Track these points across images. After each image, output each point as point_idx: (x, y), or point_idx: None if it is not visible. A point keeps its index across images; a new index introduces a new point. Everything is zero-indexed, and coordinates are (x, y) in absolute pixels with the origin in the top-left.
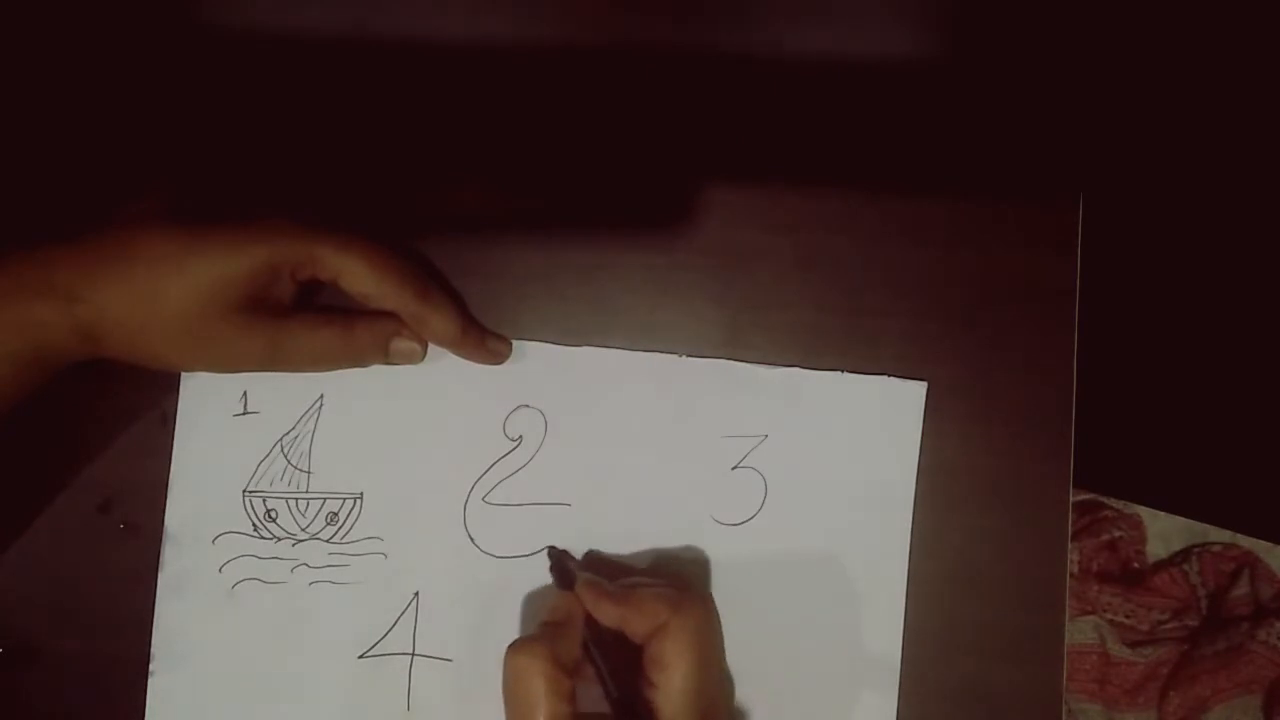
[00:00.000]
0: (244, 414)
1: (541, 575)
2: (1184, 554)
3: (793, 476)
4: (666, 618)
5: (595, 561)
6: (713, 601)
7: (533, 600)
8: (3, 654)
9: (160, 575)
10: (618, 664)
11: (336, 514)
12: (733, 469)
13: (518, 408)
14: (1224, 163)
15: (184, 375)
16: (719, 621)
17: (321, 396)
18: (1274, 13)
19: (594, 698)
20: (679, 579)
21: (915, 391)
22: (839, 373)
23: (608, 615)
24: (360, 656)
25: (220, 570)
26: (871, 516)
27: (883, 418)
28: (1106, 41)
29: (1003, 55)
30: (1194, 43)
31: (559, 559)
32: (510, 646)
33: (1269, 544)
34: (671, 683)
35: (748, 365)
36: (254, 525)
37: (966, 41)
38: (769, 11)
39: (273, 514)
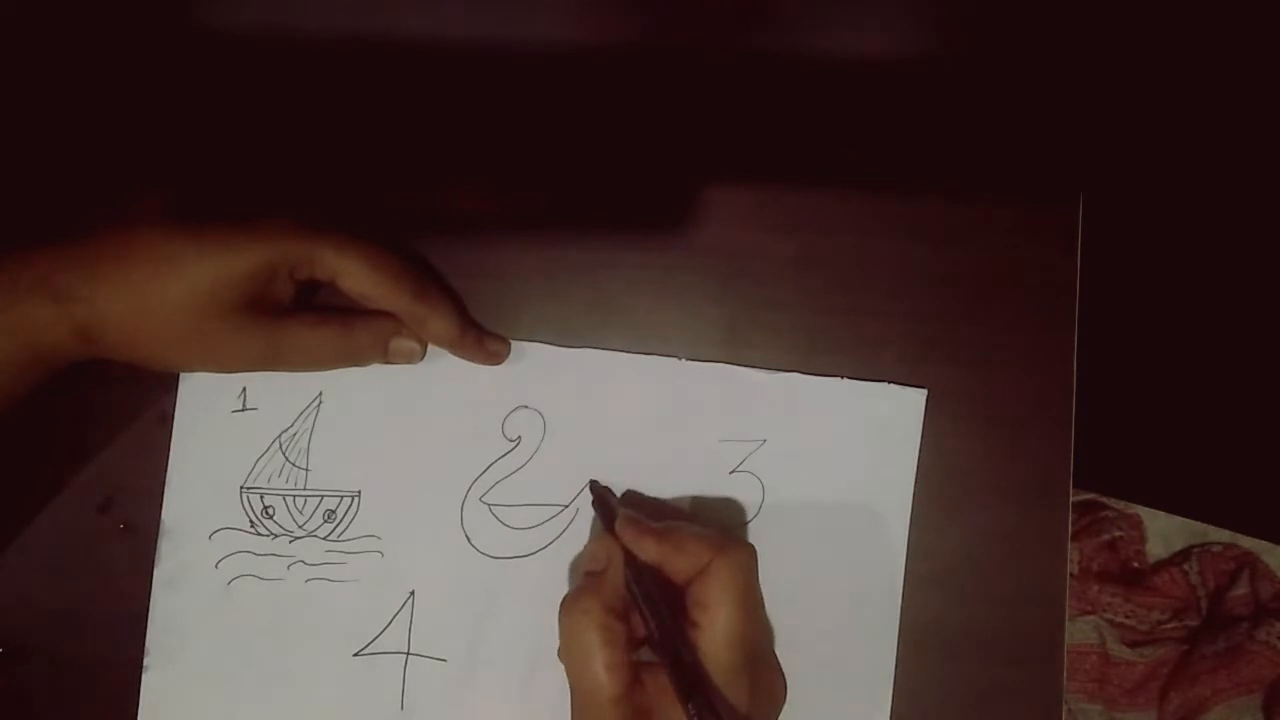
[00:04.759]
0: (243, 410)
1: (539, 576)
2: (1184, 554)
3: (790, 481)
4: (709, 558)
5: (634, 501)
6: (754, 550)
7: (569, 566)
8: (2, 653)
9: (156, 570)
10: (660, 603)
11: (334, 511)
12: (730, 473)
13: (517, 408)
14: (1224, 163)
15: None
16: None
17: (320, 394)
18: (1274, 13)
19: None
20: (720, 525)
21: (915, 399)
22: (839, 379)
23: (648, 552)
24: (355, 654)
25: (216, 566)
26: (869, 522)
27: (882, 425)
28: (1106, 41)
29: (1002, 55)
30: (1194, 43)
31: (601, 494)
32: (561, 603)
33: (1269, 544)
34: (714, 624)
35: (747, 369)
36: (251, 521)
37: (966, 41)
38: (769, 12)
39: (270, 510)
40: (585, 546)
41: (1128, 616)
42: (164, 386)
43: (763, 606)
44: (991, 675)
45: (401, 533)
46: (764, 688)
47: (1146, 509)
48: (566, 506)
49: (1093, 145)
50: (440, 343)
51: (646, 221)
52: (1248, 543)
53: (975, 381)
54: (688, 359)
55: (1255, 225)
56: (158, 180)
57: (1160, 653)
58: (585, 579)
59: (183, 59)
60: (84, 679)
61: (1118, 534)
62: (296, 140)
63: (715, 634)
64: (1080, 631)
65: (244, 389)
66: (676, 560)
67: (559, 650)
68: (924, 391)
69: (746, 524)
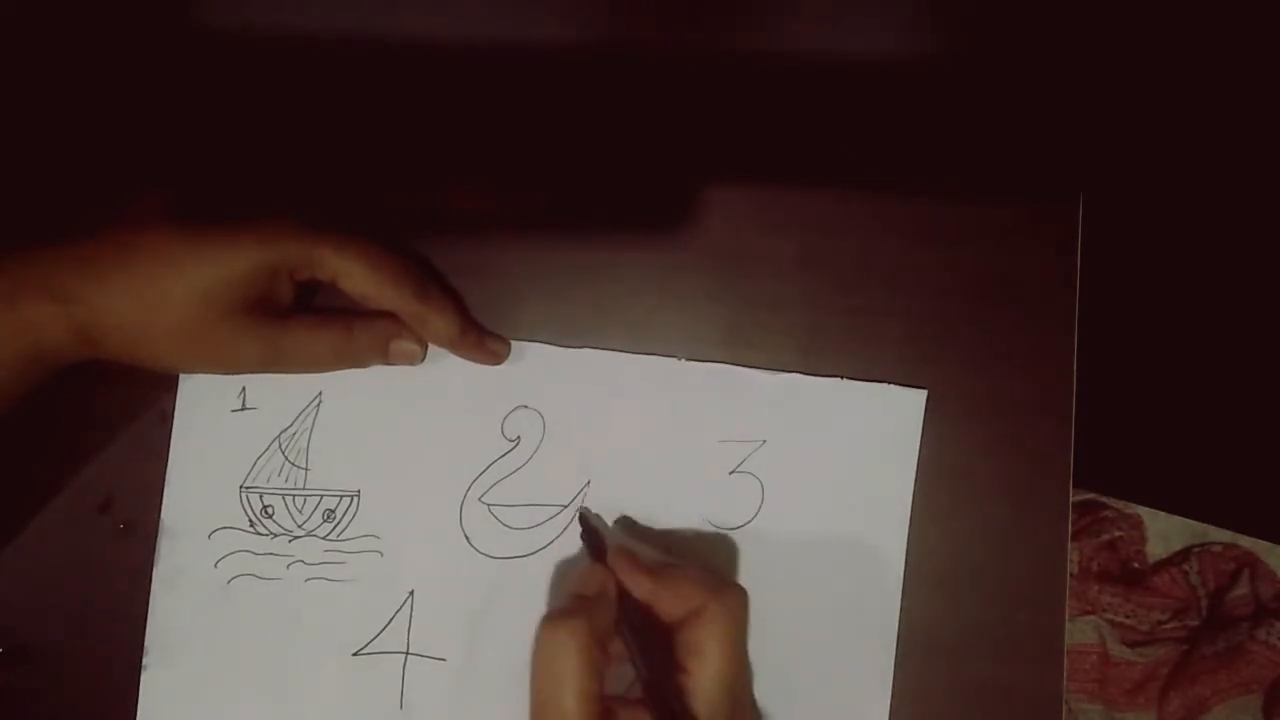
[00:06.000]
0: (242, 409)
1: (538, 576)
2: (1184, 554)
3: (790, 482)
4: (704, 602)
5: (625, 531)
6: (747, 595)
7: (561, 572)
8: (2, 653)
9: (155, 569)
10: (650, 642)
11: (333, 511)
12: (730, 473)
13: (516, 408)
14: (1224, 163)
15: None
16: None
17: (320, 393)
18: (1274, 13)
19: (614, 677)
20: (711, 566)
21: (915, 400)
22: (838, 379)
23: (641, 589)
24: (354, 654)
25: (215, 565)
26: (868, 523)
27: (882, 425)
28: (1107, 42)
29: (1002, 55)
30: (1194, 43)
31: (591, 525)
32: (545, 618)
33: (1269, 544)
34: (705, 670)
35: (747, 370)
36: (250, 521)
37: (966, 41)
38: (769, 11)
39: (269, 510)
40: (576, 565)
41: (1128, 616)
42: (164, 386)
43: (747, 650)
44: (991, 675)
45: (401, 532)
46: None
47: (1146, 509)
48: (566, 507)
49: (1093, 145)
50: (441, 342)
51: (646, 221)
52: (1248, 543)
53: (975, 381)
54: (688, 359)
55: (1255, 225)
56: (158, 180)
57: (1160, 653)
58: (574, 601)
59: (183, 59)
60: (84, 679)
61: (1118, 534)
62: (296, 140)
63: (705, 680)
64: (1080, 631)
65: (244, 389)
66: (670, 601)
67: (532, 666)
68: (924, 392)
69: (746, 525)
